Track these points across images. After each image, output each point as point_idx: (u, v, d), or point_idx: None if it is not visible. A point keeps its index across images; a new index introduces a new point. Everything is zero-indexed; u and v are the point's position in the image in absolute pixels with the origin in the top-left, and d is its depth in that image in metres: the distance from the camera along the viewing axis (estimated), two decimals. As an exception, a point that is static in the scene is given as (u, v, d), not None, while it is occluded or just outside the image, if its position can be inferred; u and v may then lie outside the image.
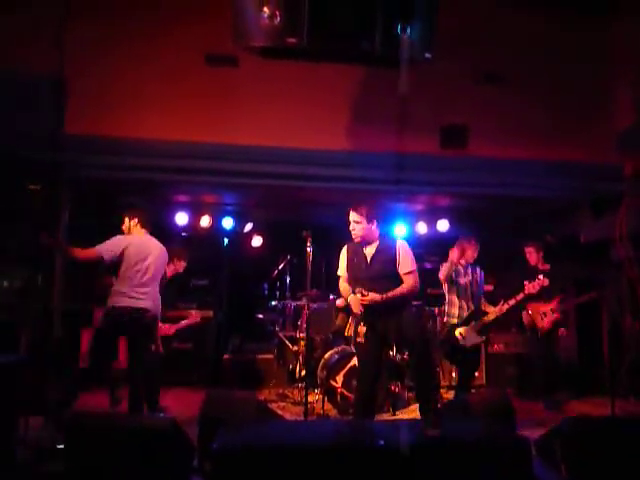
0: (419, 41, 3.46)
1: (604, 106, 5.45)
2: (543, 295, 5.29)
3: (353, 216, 4.01)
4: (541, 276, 4.99)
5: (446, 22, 3.73)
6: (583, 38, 5.35)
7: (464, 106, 5.22)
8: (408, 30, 3.43)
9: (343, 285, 4.16)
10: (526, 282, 4.97)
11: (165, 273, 4.82)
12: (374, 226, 4.02)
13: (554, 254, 5.86)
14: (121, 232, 4.43)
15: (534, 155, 5.29)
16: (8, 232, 5.04)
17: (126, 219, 4.44)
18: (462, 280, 5.03)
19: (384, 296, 3.87)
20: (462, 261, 5.05)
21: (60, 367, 5.23)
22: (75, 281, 5.63)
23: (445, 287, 5.08)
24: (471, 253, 5.08)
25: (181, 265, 5.20)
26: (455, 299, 5.01)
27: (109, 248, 4.19)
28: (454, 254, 4.93)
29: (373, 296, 3.87)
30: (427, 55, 3.56)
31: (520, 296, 4.98)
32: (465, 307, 4.98)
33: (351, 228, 4.03)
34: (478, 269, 5.14)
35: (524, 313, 5.58)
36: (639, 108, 5.34)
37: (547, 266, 5.61)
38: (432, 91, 5.00)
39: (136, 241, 4.33)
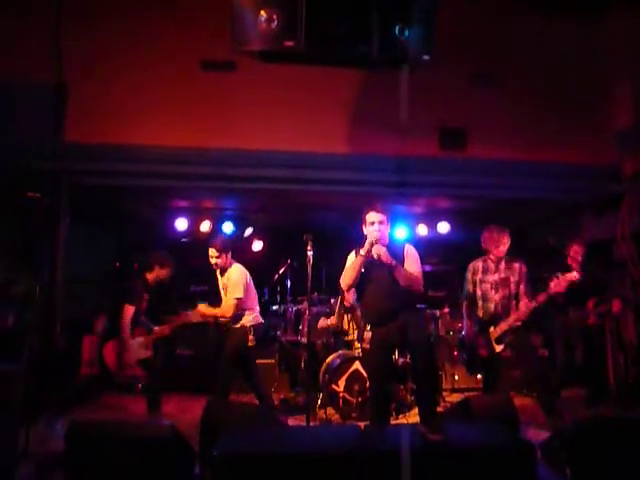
0: (417, 43, 3.45)
1: (602, 106, 5.42)
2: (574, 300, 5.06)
3: (376, 217, 3.76)
4: (574, 273, 4.26)
5: (444, 24, 3.73)
6: (580, 38, 5.34)
7: (463, 108, 5.20)
8: (406, 32, 3.42)
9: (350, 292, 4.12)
10: (550, 281, 4.27)
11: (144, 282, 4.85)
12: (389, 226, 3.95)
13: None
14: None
15: (533, 156, 5.26)
16: (8, 238, 5.02)
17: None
18: (491, 277, 4.47)
19: (393, 262, 3.67)
20: (492, 256, 4.52)
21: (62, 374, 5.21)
22: (79, 288, 5.60)
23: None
24: (500, 246, 4.45)
25: (163, 273, 4.90)
26: (481, 302, 4.50)
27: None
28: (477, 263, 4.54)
29: (379, 251, 3.65)
30: (425, 57, 3.55)
31: (542, 297, 4.27)
32: (492, 309, 4.44)
33: (375, 229, 3.73)
34: (517, 264, 4.46)
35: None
36: (637, 107, 5.32)
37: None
38: (431, 93, 4.99)
39: None
